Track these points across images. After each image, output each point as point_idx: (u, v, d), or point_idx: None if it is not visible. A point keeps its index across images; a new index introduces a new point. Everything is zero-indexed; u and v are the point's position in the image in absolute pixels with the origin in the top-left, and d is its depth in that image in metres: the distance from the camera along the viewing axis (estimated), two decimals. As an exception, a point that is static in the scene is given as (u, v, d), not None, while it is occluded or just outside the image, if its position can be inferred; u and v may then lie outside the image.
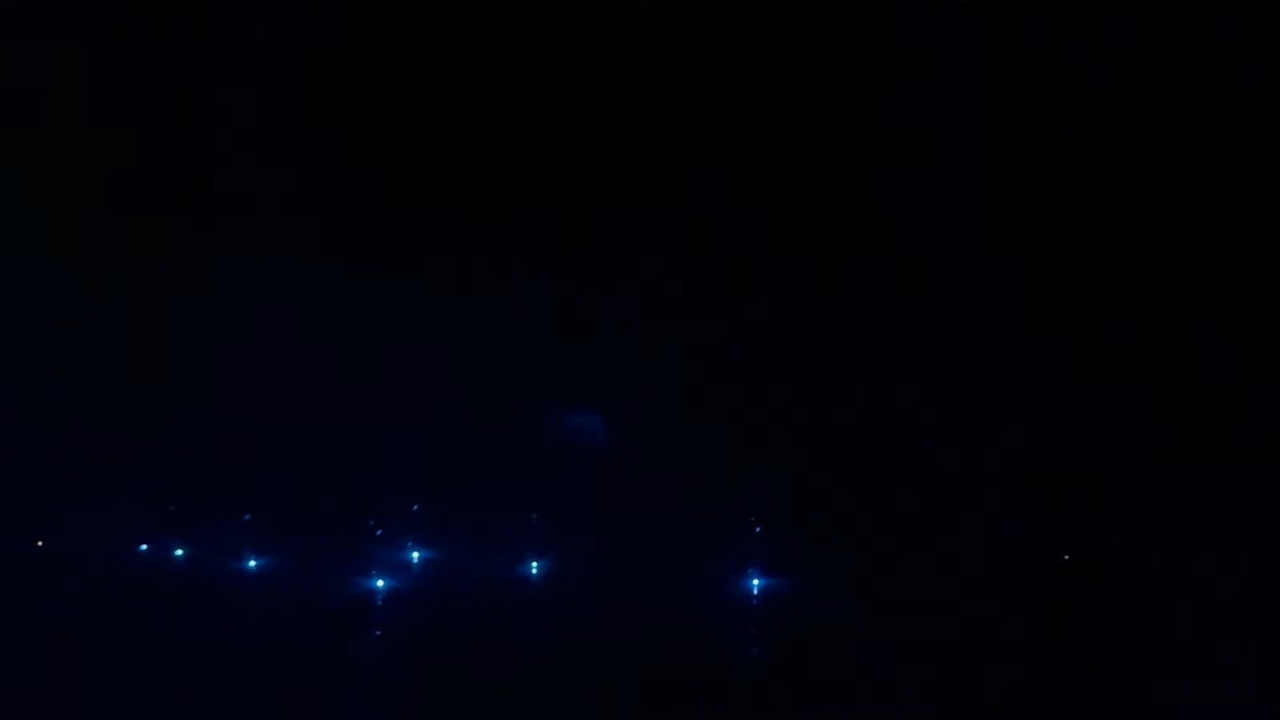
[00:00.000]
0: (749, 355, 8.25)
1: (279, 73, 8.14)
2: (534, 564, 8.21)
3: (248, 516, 8.18)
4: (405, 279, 8.10)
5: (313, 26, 8.12)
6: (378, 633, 8.10)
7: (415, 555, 8.22)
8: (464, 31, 8.16)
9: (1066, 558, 8.19)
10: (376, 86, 8.17)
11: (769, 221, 8.22)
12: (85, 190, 8.16)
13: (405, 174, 8.21)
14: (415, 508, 8.22)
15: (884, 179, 8.17)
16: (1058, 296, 8.21)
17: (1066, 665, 7.93)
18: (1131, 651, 7.93)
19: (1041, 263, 8.19)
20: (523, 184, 8.18)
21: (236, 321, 8.16)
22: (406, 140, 8.20)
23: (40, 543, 8.12)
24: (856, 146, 8.21)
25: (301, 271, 8.12)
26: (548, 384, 8.22)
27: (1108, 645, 7.94)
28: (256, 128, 8.14)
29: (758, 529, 8.20)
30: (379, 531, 8.20)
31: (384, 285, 8.11)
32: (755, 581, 8.17)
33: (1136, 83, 8.07)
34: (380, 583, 8.14)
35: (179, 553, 8.20)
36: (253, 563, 8.18)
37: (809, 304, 8.25)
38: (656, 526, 8.12)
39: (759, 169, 8.21)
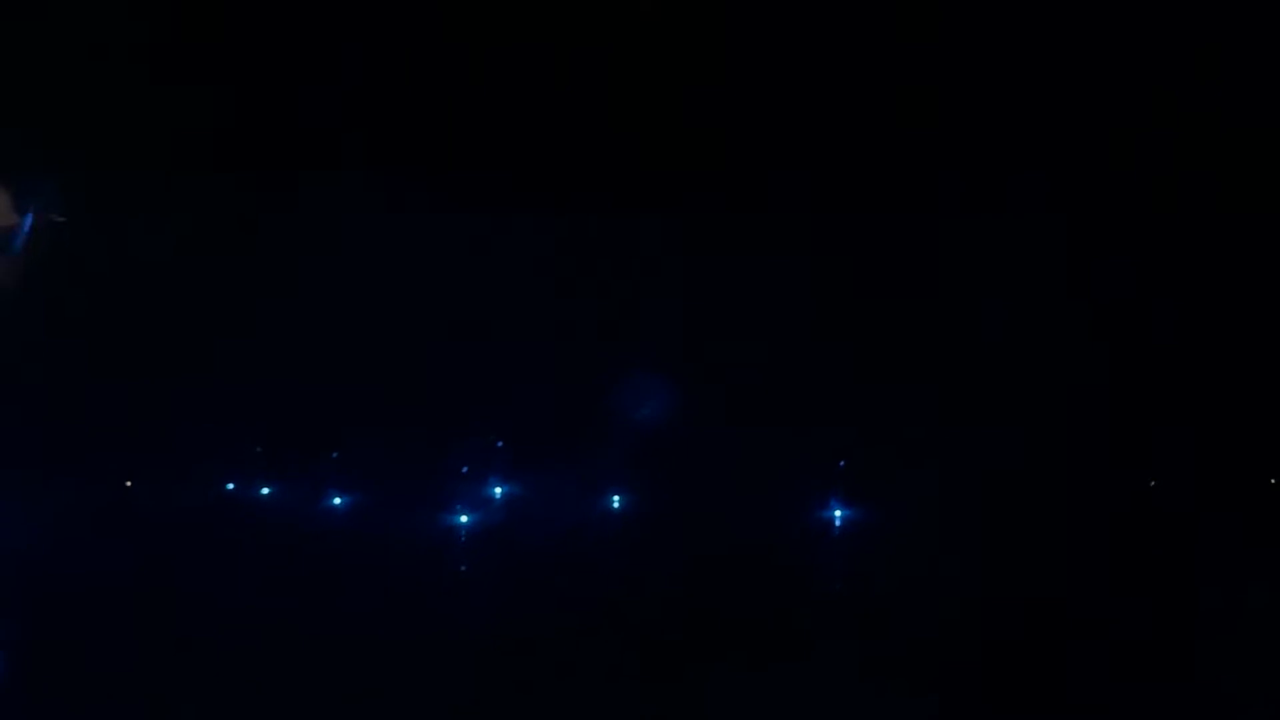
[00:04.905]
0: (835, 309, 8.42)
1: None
2: (614, 499, 8.28)
3: (335, 455, 8.30)
4: (491, 237, 8.32)
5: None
6: (462, 567, 8.13)
7: (498, 491, 8.30)
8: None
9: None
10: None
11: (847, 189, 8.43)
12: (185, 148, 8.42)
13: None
14: (499, 444, 8.34)
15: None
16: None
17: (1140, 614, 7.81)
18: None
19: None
20: (619, 158, 8.41)
21: (324, 270, 8.37)
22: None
23: (129, 483, 8.23)
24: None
25: (384, 226, 8.35)
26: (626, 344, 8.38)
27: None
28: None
29: (841, 464, 8.27)
30: (464, 469, 8.30)
31: (470, 242, 8.33)
32: (836, 514, 8.21)
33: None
34: (464, 518, 8.20)
35: (265, 491, 8.30)
36: (338, 500, 8.27)
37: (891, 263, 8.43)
38: (733, 462, 8.20)
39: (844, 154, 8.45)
